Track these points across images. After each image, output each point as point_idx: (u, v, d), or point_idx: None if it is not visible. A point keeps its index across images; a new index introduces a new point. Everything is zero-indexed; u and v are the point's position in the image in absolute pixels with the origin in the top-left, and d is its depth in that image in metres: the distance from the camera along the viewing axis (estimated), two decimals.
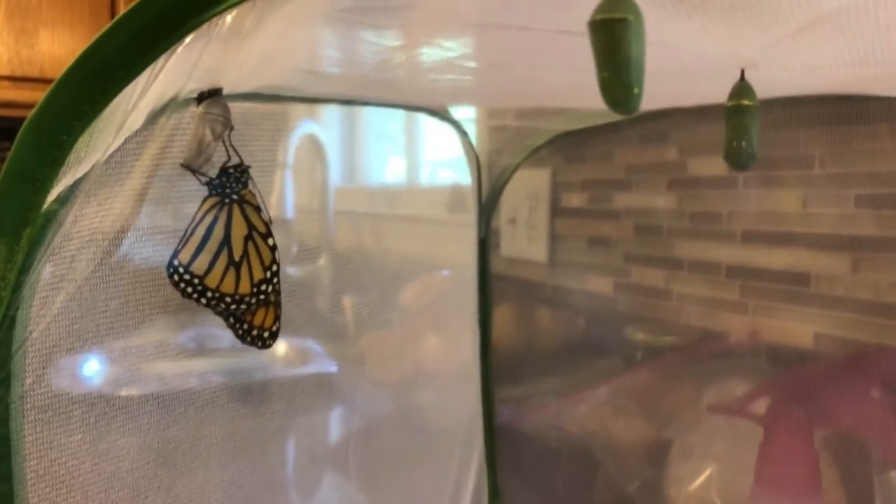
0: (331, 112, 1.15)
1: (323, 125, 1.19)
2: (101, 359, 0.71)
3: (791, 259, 1.05)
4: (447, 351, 1.14)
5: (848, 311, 0.97)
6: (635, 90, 0.30)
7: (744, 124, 0.46)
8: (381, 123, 1.48)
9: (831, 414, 0.78)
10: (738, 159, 0.47)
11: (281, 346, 1.09)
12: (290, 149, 1.01)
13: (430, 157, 1.50)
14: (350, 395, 1.11)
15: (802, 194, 1.05)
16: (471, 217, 1.19)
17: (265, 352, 1.09)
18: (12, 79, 2.05)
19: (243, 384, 0.94)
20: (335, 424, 1.11)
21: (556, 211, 1.49)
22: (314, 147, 1.15)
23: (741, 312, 1.12)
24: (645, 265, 1.31)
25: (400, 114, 1.33)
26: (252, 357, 1.01)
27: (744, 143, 0.46)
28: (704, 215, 1.21)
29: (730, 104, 0.46)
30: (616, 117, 0.77)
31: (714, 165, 1.20)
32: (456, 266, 1.22)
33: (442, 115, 0.85)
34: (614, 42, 0.30)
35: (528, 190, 1.52)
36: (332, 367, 1.08)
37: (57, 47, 2.09)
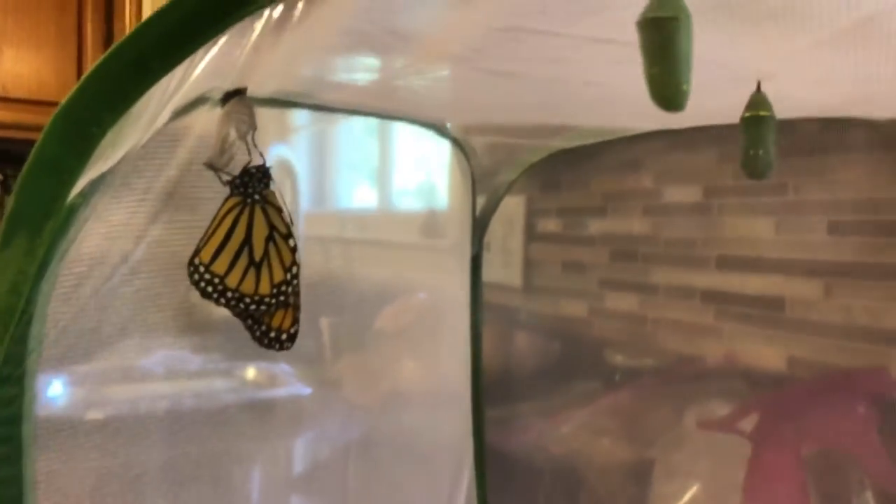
0: (301, 136, 1.15)
1: (293, 149, 1.19)
2: (69, 381, 0.70)
3: (765, 284, 1.07)
4: (429, 372, 1.13)
5: (821, 335, 0.99)
6: (684, 87, 0.31)
7: (761, 134, 0.47)
8: (353, 149, 1.49)
9: (818, 431, 0.79)
10: (755, 168, 0.49)
11: (250, 370, 1.08)
12: None
13: (406, 182, 1.51)
14: (328, 419, 1.10)
15: (776, 221, 1.08)
16: (447, 241, 1.19)
17: (234, 375, 1.07)
18: None
19: (217, 407, 0.92)
20: (313, 447, 1.09)
21: (531, 236, 1.51)
22: (285, 172, 1.15)
23: (716, 337, 1.14)
24: (620, 290, 1.32)
25: (373, 139, 1.34)
26: (221, 380, 1.00)
27: (760, 152, 0.47)
28: (679, 241, 1.24)
29: (747, 115, 0.48)
30: (614, 135, 0.79)
31: (688, 193, 1.23)
32: (434, 289, 1.22)
33: (440, 130, 0.85)
34: (665, 40, 0.31)
35: (503, 216, 1.53)
36: (305, 391, 1.07)
37: (21, 67, 2.05)
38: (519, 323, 1.49)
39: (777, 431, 0.79)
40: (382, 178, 1.53)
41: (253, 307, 0.50)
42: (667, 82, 0.31)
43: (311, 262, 1.13)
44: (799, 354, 1.01)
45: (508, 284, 1.53)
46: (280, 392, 1.08)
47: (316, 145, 1.41)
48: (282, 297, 0.51)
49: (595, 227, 1.41)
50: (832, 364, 0.95)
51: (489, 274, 1.53)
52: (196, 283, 0.49)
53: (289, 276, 0.51)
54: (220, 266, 0.49)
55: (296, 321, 0.53)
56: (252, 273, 0.50)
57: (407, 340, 1.16)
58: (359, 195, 1.66)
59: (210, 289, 0.49)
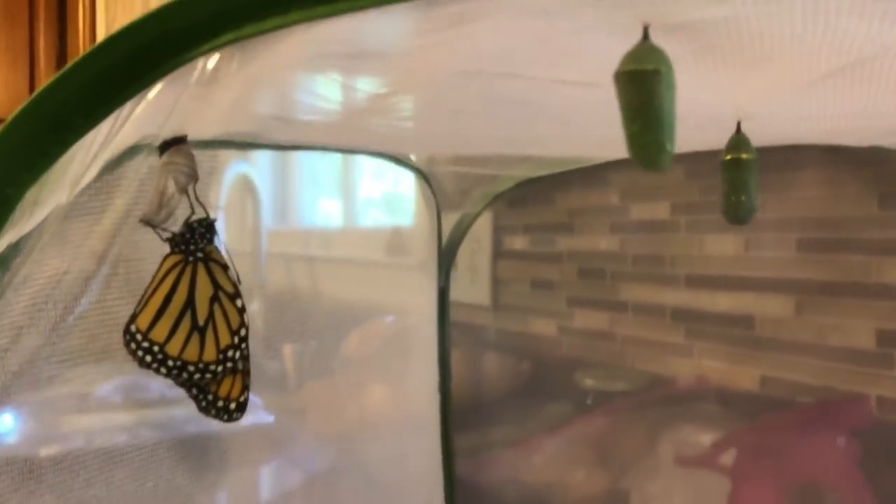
0: (263, 153, 1.12)
1: (255, 166, 1.15)
2: (20, 413, 0.65)
3: (735, 302, 1.06)
4: (396, 399, 1.10)
5: (793, 354, 0.98)
6: (668, 146, 0.28)
7: (742, 178, 0.45)
8: (317, 167, 1.45)
9: (799, 465, 0.78)
10: (736, 214, 0.46)
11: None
12: (223, 190, 0.97)
13: (370, 201, 1.48)
14: (292, 449, 1.06)
15: (745, 238, 1.07)
16: (413, 259, 1.16)
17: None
18: None
19: (178, 438, 0.89)
20: (277, 478, 1.05)
21: (499, 254, 1.48)
22: (247, 188, 1.11)
23: (687, 356, 1.12)
24: (589, 308, 1.30)
25: (337, 157, 1.30)
26: (183, 409, 0.95)
27: (742, 198, 0.45)
28: (648, 259, 1.22)
29: (727, 157, 0.45)
30: (580, 164, 0.77)
31: (656, 210, 1.21)
32: (401, 310, 1.19)
33: (404, 161, 0.82)
34: (645, 94, 0.28)
35: (470, 234, 1.51)
36: (268, 418, 1.03)
37: None
38: (488, 343, 1.47)
39: (756, 467, 0.77)
40: (347, 193, 1.50)
41: (197, 376, 0.46)
42: (648, 141, 0.28)
43: (274, 281, 1.10)
44: (771, 374, 0.99)
45: (477, 303, 1.50)
46: (243, 421, 1.04)
47: (278, 161, 1.38)
48: (229, 364, 0.47)
49: (562, 244, 1.39)
50: (805, 384, 0.94)
51: (457, 293, 1.50)
52: (133, 353, 0.45)
53: (236, 340, 0.47)
54: (159, 333, 0.44)
55: (245, 388, 0.49)
56: (196, 338, 0.45)
57: (373, 366, 1.13)
58: (322, 212, 1.62)
59: (149, 358, 0.45)
